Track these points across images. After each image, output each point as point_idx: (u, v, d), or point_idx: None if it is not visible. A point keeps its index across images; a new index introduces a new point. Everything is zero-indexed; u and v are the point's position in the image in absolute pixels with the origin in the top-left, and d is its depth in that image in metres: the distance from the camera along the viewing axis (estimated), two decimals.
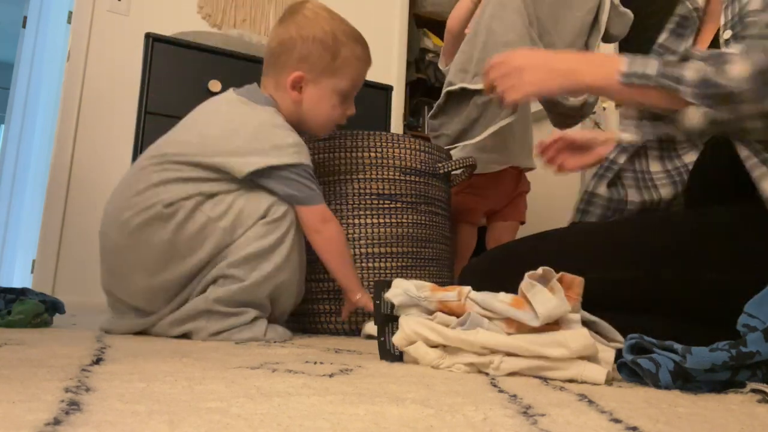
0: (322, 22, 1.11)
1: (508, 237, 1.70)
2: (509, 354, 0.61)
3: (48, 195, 2.18)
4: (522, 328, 0.61)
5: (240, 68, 1.80)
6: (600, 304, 0.68)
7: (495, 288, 0.67)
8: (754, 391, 0.52)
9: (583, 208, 0.99)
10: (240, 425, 0.34)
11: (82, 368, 0.55)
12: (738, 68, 0.71)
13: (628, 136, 0.97)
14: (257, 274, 0.99)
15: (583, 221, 1.00)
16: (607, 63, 0.82)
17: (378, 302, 0.72)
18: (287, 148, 1.03)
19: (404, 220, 1.29)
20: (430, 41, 3.10)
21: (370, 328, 1.10)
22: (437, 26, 3.11)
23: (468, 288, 0.67)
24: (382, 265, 1.27)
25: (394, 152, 1.30)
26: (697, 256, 0.78)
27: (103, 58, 2.28)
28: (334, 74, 1.12)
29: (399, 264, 1.28)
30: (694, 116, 0.75)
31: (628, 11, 1.47)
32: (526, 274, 0.61)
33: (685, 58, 0.77)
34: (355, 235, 1.26)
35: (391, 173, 1.29)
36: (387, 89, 2.04)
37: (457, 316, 0.65)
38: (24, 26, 3.62)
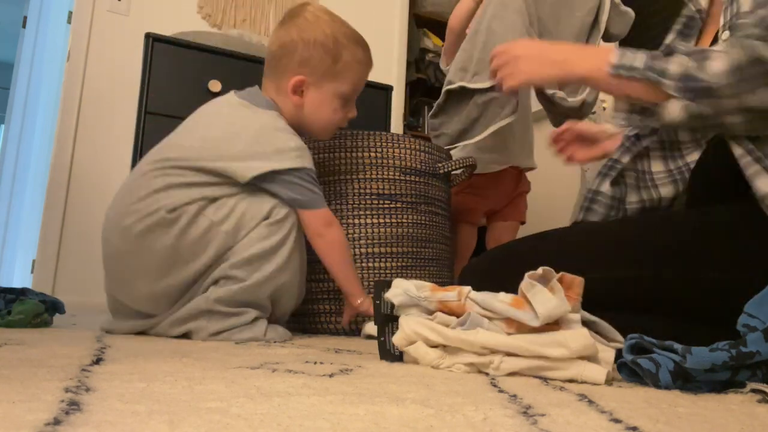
0: (323, 25, 1.10)
1: (509, 237, 1.70)
2: (509, 354, 0.61)
3: (48, 195, 2.18)
4: (522, 328, 0.61)
5: (240, 68, 1.80)
6: (600, 303, 0.68)
7: (495, 288, 0.67)
8: (754, 391, 0.52)
9: (587, 206, 1.00)
10: (240, 425, 0.34)
11: (82, 368, 0.55)
12: (717, 64, 0.73)
13: (616, 125, 0.97)
14: (259, 275, 0.99)
15: (586, 219, 1.00)
16: (598, 55, 0.85)
17: (378, 302, 0.72)
18: (290, 152, 1.03)
19: (404, 220, 1.29)
20: (430, 41, 3.10)
21: (370, 328, 1.10)
22: (437, 26, 3.11)
23: (468, 288, 0.67)
24: (382, 265, 1.27)
25: (394, 152, 1.30)
26: (698, 255, 0.78)
27: (103, 58, 2.28)
28: (335, 78, 1.11)
29: (399, 264, 1.28)
30: (675, 109, 0.77)
31: (629, 10, 1.47)
32: (526, 274, 0.61)
33: (669, 52, 0.78)
34: (355, 235, 1.26)
35: (391, 173, 1.29)
36: (387, 89, 2.04)
37: (457, 316, 0.65)
38: (24, 26, 3.62)
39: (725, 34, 0.85)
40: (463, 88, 1.36)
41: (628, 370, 0.58)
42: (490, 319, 0.63)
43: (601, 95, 1.83)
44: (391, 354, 0.71)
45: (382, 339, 0.72)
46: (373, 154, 1.29)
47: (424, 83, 3.05)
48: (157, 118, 1.69)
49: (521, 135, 1.72)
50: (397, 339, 0.68)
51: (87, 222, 2.17)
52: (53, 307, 1.12)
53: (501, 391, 0.50)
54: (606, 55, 0.83)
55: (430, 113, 1.45)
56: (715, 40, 0.92)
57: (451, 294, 0.67)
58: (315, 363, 0.66)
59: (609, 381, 0.58)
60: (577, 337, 0.58)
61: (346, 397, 0.44)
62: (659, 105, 0.79)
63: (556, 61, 0.90)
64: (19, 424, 0.32)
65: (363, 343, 1.01)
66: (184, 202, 0.98)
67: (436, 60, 3.05)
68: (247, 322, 0.99)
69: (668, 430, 0.38)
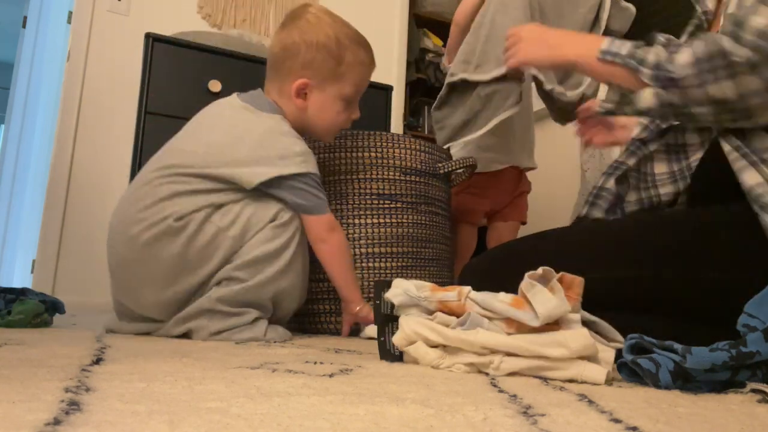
0: (325, 26, 1.10)
1: (509, 237, 1.70)
2: (509, 354, 0.61)
3: (48, 195, 2.18)
4: (522, 328, 0.61)
5: (240, 68, 1.80)
6: (601, 303, 0.68)
7: (495, 288, 0.67)
8: (754, 391, 0.52)
9: (592, 201, 1.02)
10: (240, 425, 0.34)
11: (82, 368, 0.55)
12: (682, 56, 0.77)
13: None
14: (261, 276, 0.99)
15: (590, 213, 1.01)
16: (591, 41, 0.90)
17: (378, 302, 0.72)
18: (294, 157, 1.03)
19: (404, 220, 1.29)
20: (430, 41, 3.10)
21: (370, 330, 1.10)
22: (437, 26, 3.11)
23: (468, 288, 0.67)
24: (382, 265, 1.27)
25: (394, 152, 1.30)
26: (698, 255, 0.78)
27: (103, 58, 2.28)
28: (338, 80, 1.11)
29: (399, 264, 1.28)
30: (648, 97, 0.81)
31: (630, 6, 1.47)
32: (526, 274, 0.61)
33: (650, 43, 0.83)
34: (355, 235, 1.26)
35: (391, 173, 1.29)
36: (387, 89, 2.04)
37: (457, 316, 0.65)
38: (24, 26, 3.62)
39: None
40: (465, 81, 1.35)
41: (628, 370, 0.58)
42: (490, 319, 0.63)
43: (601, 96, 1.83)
44: (391, 354, 0.71)
45: (382, 339, 0.72)
46: (373, 154, 1.29)
47: (424, 83, 3.05)
48: (157, 118, 1.69)
49: (522, 134, 1.72)
50: (397, 339, 0.68)
51: (87, 222, 2.17)
52: (53, 307, 1.12)
53: (501, 391, 0.50)
54: (597, 42, 0.88)
55: (433, 106, 1.44)
56: None
57: (451, 294, 0.67)
58: (315, 363, 0.66)
59: (609, 381, 0.58)
60: (577, 337, 0.58)
61: (346, 397, 0.44)
62: (635, 93, 0.83)
63: (552, 45, 0.96)
64: (19, 424, 0.32)
65: (363, 343, 1.01)
66: (190, 209, 0.97)
67: (436, 60, 3.05)
68: (247, 322, 0.99)
69: (668, 430, 0.38)
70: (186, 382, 0.49)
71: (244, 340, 0.97)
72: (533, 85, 1.38)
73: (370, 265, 1.26)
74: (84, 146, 2.22)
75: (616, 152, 2.25)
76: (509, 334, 0.62)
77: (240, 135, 1.03)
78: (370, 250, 1.26)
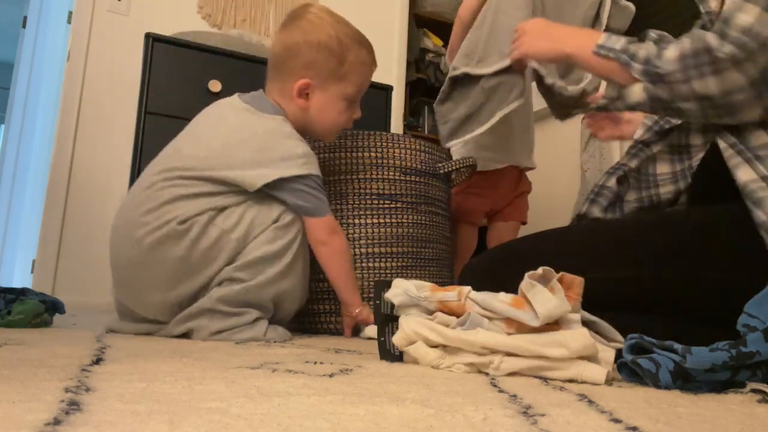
0: (327, 26, 1.09)
1: (510, 237, 1.70)
2: (509, 354, 0.61)
3: (48, 195, 2.18)
4: (522, 328, 0.61)
5: (240, 68, 1.80)
6: (600, 303, 0.68)
7: (495, 288, 0.67)
8: (754, 391, 0.52)
9: (593, 198, 1.03)
10: (240, 425, 0.34)
11: (82, 368, 0.55)
12: (669, 52, 0.79)
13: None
14: (262, 277, 1.00)
15: (590, 210, 1.02)
16: (590, 37, 0.91)
17: (378, 302, 0.72)
18: (297, 159, 1.03)
19: (404, 220, 1.29)
20: (430, 41, 3.10)
21: (370, 330, 1.10)
22: (437, 26, 3.11)
23: (468, 288, 0.67)
24: (382, 265, 1.27)
25: (394, 152, 1.30)
26: (698, 255, 0.78)
27: (103, 58, 2.28)
28: (340, 80, 1.11)
29: (399, 264, 1.28)
30: (638, 91, 0.83)
31: (629, 5, 1.47)
32: (526, 274, 0.61)
33: (643, 38, 0.85)
34: (355, 235, 1.26)
35: (391, 173, 1.29)
36: (387, 89, 2.04)
37: (457, 316, 0.65)
38: (24, 26, 3.62)
39: None
40: (467, 75, 1.35)
41: (628, 370, 0.58)
42: (490, 319, 0.63)
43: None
44: (391, 354, 0.71)
45: (382, 339, 0.72)
46: (373, 154, 1.29)
47: (424, 83, 3.05)
48: (157, 118, 1.69)
49: (522, 134, 1.72)
50: (397, 339, 0.68)
51: (87, 222, 2.17)
52: (53, 307, 1.12)
53: (501, 391, 0.50)
54: (595, 38, 0.90)
55: (437, 101, 1.43)
56: None
57: (451, 294, 0.67)
58: (315, 363, 0.66)
59: (609, 381, 0.58)
60: (577, 337, 0.58)
61: (346, 397, 0.44)
62: (626, 87, 0.85)
63: (552, 38, 0.99)
64: (19, 424, 0.32)
65: (363, 343, 1.01)
66: (194, 213, 0.97)
67: (436, 60, 3.05)
68: (248, 322, 0.99)
69: (668, 430, 0.38)
70: (186, 382, 0.49)
71: (244, 340, 0.97)
72: (533, 84, 1.38)
73: (370, 265, 1.26)
74: (84, 146, 2.22)
75: (616, 152, 2.25)
76: (509, 334, 0.62)
77: (242, 137, 1.03)
78: (370, 250, 1.26)
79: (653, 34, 0.84)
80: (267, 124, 1.05)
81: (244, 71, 1.79)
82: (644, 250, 0.81)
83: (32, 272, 2.21)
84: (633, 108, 0.86)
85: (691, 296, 0.77)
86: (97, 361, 0.61)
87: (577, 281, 0.62)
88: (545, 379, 0.59)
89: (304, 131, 1.13)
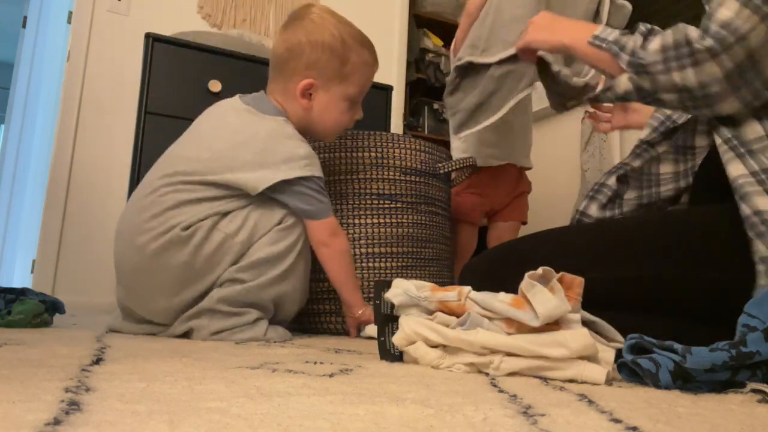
0: (329, 26, 1.09)
1: (510, 237, 1.70)
2: (509, 354, 0.61)
3: (48, 195, 2.18)
4: (522, 328, 0.61)
5: (240, 68, 1.80)
6: (600, 303, 0.68)
7: (495, 288, 0.67)
8: (754, 391, 0.52)
9: (592, 195, 1.04)
10: (240, 425, 0.34)
11: (82, 368, 0.55)
12: (652, 44, 0.81)
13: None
14: (263, 278, 1.00)
15: (588, 207, 1.03)
16: (587, 29, 0.94)
17: (378, 302, 0.72)
18: (298, 161, 1.03)
19: (404, 220, 1.29)
20: (430, 41, 3.10)
21: (371, 329, 1.10)
22: (437, 26, 3.11)
23: (468, 288, 0.67)
24: (382, 265, 1.27)
25: (394, 152, 1.30)
26: (698, 255, 0.78)
27: (103, 58, 2.28)
28: (343, 80, 1.10)
29: (399, 264, 1.28)
30: (624, 81, 0.85)
31: (627, 4, 1.48)
32: (526, 274, 0.61)
33: (634, 31, 0.86)
34: (356, 235, 1.26)
35: (391, 173, 1.29)
36: (387, 89, 2.04)
37: (457, 316, 0.65)
38: (24, 26, 3.62)
39: None
40: (471, 64, 1.35)
41: (628, 370, 0.58)
42: (490, 319, 0.63)
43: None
44: (391, 354, 0.71)
45: (382, 339, 0.72)
46: (373, 154, 1.29)
47: (424, 83, 3.05)
48: (157, 118, 1.69)
49: (521, 134, 1.72)
50: (397, 339, 0.68)
51: (87, 222, 2.17)
52: (53, 307, 1.12)
53: (501, 391, 0.50)
54: (592, 30, 0.92)
55: (445, 93, 1.43)
56: None
57: (451, 294, 0.67)
58: (315, 363, 0.66)
59: (609, 381, 0.58)
60: (577, 337, 0.58)
61: (346, 397, 0.44)
62: (615, 78, 0.87)
63: (553, 29, 1.01)
64: (19, 424, 0.32)
65: (363, 343, 1.01)
66: (197, 218, 0.97)
67: (436, 60, 3.05)
68: (248, 322, 0.99)
69: (668, 430, 0.38)
70: (186, 382, 0.49)
71: (245, 340, 0.97)
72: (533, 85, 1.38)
73: (370, 265, 1.26)
74: (84, 146, 2.22)
75: (616, 152, 2.25)
76: (509, 334, 0.62)
77: (243, 139, 1.02)
78: (370, 250, 1.26)
79: (643, 27, 0.86)
80: (268, 126, 1.05)
81: (244, 71, 1.79)
82: (644, 250, 0.81)
83: (32, 272, 2.21)
84: (622, 98, 0.88)
85: (691, 296, 0.77)
86: (97, 361, 0.61)
87: (577, 281, 0.62)
88: (545, 379, 0.59)
89: (306, 131, 1.13)
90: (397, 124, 2.69)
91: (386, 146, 1.30)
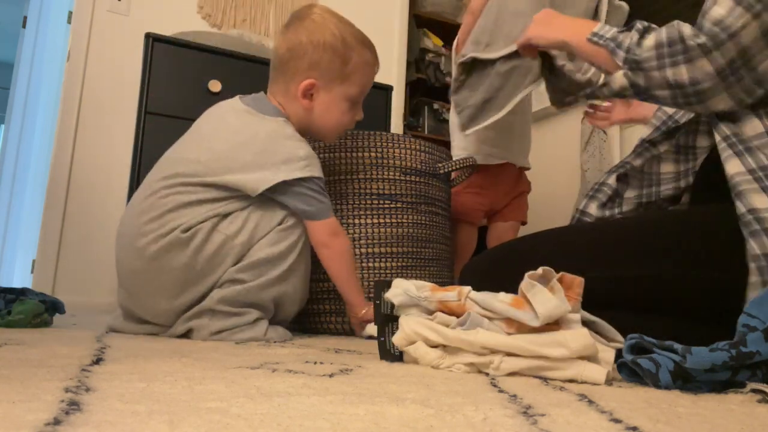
0: (331, 26, 1.09)
1: (509, 237, 1.70)
2: (509, 354, 0.61)
3: (48, 195, 2.17)
4: (522, 328, 0.61)
5: (240, 68, 1.80)
6: (600, 303, 0.68)
7: (495, 288, 0.67)
8: (754, 391, 0.52)
9: (592, 194, 1.05)
10: (240, 425, 0.34)
11: (82, 368, 0.55)
12: (647, 41, 0.83)
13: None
14: (263, 278, 1.00)
15: (588, 206, 1.03)
16: (586, 26, 0.95)
17: (378, 302, 0.72)
18: (298, 162, 1.02)
19: (404, 220, 1.29)
20: (430, 41, 3.10)
21: (372, 329, 1.10)
22: (437, 26, 3.11)
23: (468, 288, 0.67)
24: (382, 265, 1.27)
25: (394, 152, 1.30)
26: (698, 255, 0.78)
27: (103, 58, 2.28)
28: (344, 80, 1.10)
29: (399, 264, 1.28)
30: (620, 78, 0.87)
31: (624, 4, 1.48)
32: (526, 274, 0.61)
33: (630, 28, 0.87)
34: (356, 235, 1.26)
35: (391, 173, 1.29)
36: (387, 89, 2.04)
37: (457, 316, 0.65)
38: (24, 26, 3.62)
39: None
40: (475, 59, 1.35)
41: (628, 370, 0.58)
42: (490, 319, 0.63)
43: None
44: (391, 354, 0.71)
45: (382, 339, 0.72)
46: (373, 154, 1.29)
47: (424, 83, 3.05)
48: (157, 118, 1.69)
49: (521, 134, 1.72)
50: (397, 339, 0.68)
51: (87, 222, 2.17)
52: (53, 307, 1.12)
53: (501, 391, 0.50)
54: (591, 27, 0.94)
55: (451, 90, 1.43)
56: None
57: (451, 294, 0.67)
58: (315, 363, 0.66)
59: (609, 381, 0.58)
60: (577, 337, 0.58)
61: (346, 397, 0.44)
62: (611, 74, 0.89)
63: (553, 26, 1.02)
64: (19, 424, 0.32)
65: (363, 343, 1.01)
66: (197, 220, 0.97)
67: (436, 60, 3.05)
68: (248, 322, 0.99)
69: (668, 430, 0.38)
70: (186, 382, 0.49)
71: (245, 340, 0.97)
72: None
73: (370, 265, 1.26)
74: (84, 146, 2.21)
75: (616, 152, 2.25)
76: (509, 334, 0.62)
77: (243, 140, 1.02)
78: (370, 250, 1.26)
79: (639, 24, 0.87)
80: (268, 126, 1.04)
81: (244, 71, 1.79)
82: (644, 250, 0.81)
83: (32, 272, 2.21)
84: (617, 94, 0.89)
85: (691, 296, 0.77)
86: (97, 361, 0.61)
87: (577, 281, 0.62)
88: (545, 379, 0.59)
89: (307, 132, 1.12)
90: (397, 124, 2.69)
91: (386, 146, 1.30)
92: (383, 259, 1.27)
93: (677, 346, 0.55)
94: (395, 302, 0.69)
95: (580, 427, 0.37)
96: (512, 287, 0.64)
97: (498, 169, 1.68)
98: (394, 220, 1.28)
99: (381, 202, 1.28)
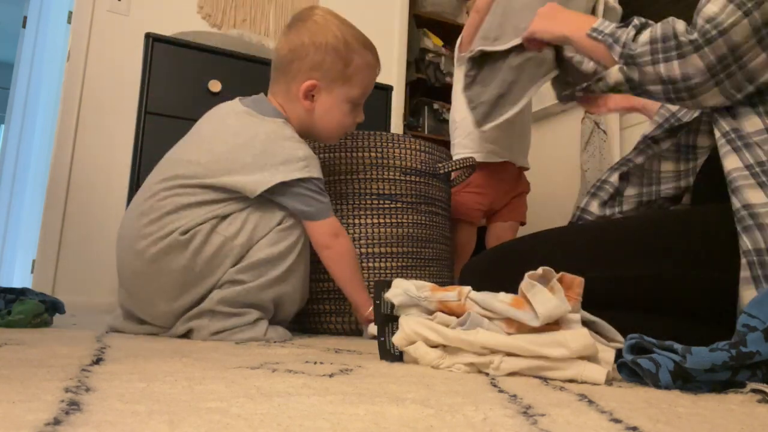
0: (333, 28, 1.09)
1: (509, 237, 1.70)
2: (509, 354, 0.61)
3: (48, 195, 2.17)
4: (522, 328, 0.61)
5: (240, 68, 1.80)
6: (600, 303, 0.68)
7: (495, 288, 0.67)
8: (754, 391, 0.52)
9: (594, 192, 1.05)
10: (240, 425, 0.34)
11: (82, 368, 0.55)
12: (642, 37, 0.85)
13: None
14: (263, 278, 1.00)
15: (589, 204, 1.03)
16: (587, 21, 0.96)
17: (378, 302, 0.72)
18: (297, 162, 1.02)
19: (404, 220, 1.29)
20: (430, 41, 3.10)
21: (373, 328, 1.10)
22: (437, 26, 3.11)
23: (468, 288, 0.67)
24: (383, 265, 1.27)
25: (394, 152, 1.30)
26: (698, 255, 0.78)
27: (103, 58, 2.28)
28: (346, 82, 1.10)
29: (399, 264, 1.28)
30: (615, 72, 0.88)
31: (617, 6, 1.49)
32: (526, 274, 0.61)
33: (627, 24, 0.89)
34: (356, 235, 1.26)
35: (391, 173, 1.29)
36: (387, 89, 2.04)
37: (457, 316, 0.65)
38: (24, 26, 3.62)
39: None
40: (483, 53, 1.34)
41: (628, 370, 0.58)
42: (490, 319, 0.63)
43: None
44: (391, 354, 0.71)
45: (382, 339, 0.72)
46: (373, 154, 1.29)
47: (424, 83, 3.05)
48: (157, 118, 1.69)
49: (520, 133, 1.72)
50: (397, 339, 0.68)
51: (87, 222, 2.17)
52: (53, 307, 1.12)
53: (501, 391, 0.50)
54: (592, 23, 0.95)
55: (463, 86, 1.41)
56: None
57: (451, 294, 0.67)
58: (315, 363, 0.66)
59: (609, 381, 0.58)
60: (577, 337, 0.58)
61: (346, 397, 0.44)
62: (607, 69, 0.90)
63: (555, 20, 1.03)
64: (19, 424, 0.32)
65: (363, 343, 1.01)
66: (196, 222, 0.97)
67: (436, 60, 3.05)
68: (248, 323, 0.99)
69: (668, 430, 0.38)
70: (186, 382, 0.49)
71: (245, 340, 0.97)
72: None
73: (371, 265, 1.26)
74: (84, 146, 2.22)
75: (616, 152, 2.25)
76: (509, 334, 0.62)
77: (243, 142, 1.02)
78: (370, 250, 1.26)
79: (637, 21, 0.88)
80: (267, 128, 1.04)
81: (244, 71, 1.79)
82: (644, 250, 0.81)
83: (32, 272, 2.21)
84: (613, 89, 0.90)
85: (691, 296, 0.77)
86: (97, 361, 0.61)
87: (577, 281, 0.62)
88: (545, 379, 0.59)
89: (308, 133, 1.12)
90: (397, 124, 2.69)
91: (386, 146, 1.30)
92: (383, 259, 1.27)
93: (677, 346, 0.55)
94: (395, 302, 0.69)
95: (580, 427, 0.37)
96: (512, 287, 0.64)
97: (498, 169, 1.68)
98: (394, 220, 1.28)
99: (381, 202, 1.28)
